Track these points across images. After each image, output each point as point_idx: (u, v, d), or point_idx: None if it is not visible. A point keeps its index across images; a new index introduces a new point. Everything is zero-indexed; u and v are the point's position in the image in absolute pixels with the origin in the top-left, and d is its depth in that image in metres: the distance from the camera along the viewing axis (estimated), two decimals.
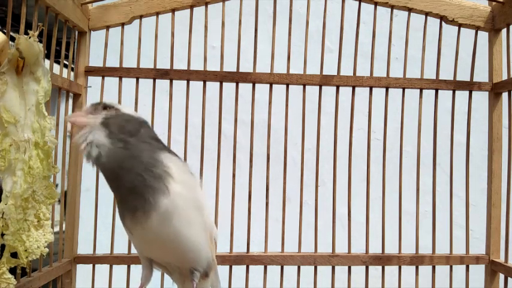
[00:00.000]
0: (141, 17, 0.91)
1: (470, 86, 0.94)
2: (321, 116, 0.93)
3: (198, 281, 0.67)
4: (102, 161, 0.61)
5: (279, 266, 0.91)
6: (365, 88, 0.93)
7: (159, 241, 0.63)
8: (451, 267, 0.93)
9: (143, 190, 0.60)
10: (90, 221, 0.89)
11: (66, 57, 0.86)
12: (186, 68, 0.91)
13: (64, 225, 0.86)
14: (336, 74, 0.93)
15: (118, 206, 0.65)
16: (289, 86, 0.92)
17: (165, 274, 0.78)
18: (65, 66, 0.84)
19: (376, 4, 0.93)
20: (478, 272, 0.94)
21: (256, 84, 0.92)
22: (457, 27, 0.94)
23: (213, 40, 0.95)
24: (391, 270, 0.93)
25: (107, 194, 0.85)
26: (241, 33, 0.91)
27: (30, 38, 0.60)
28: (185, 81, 0.91)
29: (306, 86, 0.92)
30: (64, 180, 0.86)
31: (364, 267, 0.92)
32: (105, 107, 0.64)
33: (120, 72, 0.90)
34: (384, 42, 0.94)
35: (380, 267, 0.92)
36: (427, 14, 0.93)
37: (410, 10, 0.93)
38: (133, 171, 0.60)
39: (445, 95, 0.96)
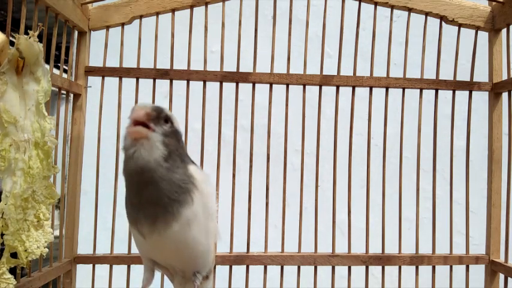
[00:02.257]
0: (141, 17, 0.91)
1: (470, 86, 0.94)
2: (321, 116, 0.93)
3: (200, 283, 0.67)
4: (144, 176, 0.58)
5: (279, 266, 0.91)
6: (365, 88, 0.93)
7: (173, 247, 0.62)
8: (451, 267, 0.93)
9: (168, 203, 0.59)
10: (90, 221, 0.89)
11: (66, 62, 0.85)
12: (186, 68, 0.91)
13: (64, 229, 0.86)
14: (335, 74, 0.93)
15: (130, 210, 0.62)
16: (289, 86, 0.92)
17: (165, 275, 0.78)
18: (65, 71, 0.83)
19: (376, 4, 0.93)
20: (478, 272, 0.94)
21: (256, 85, 0.92)
22: (457, 27, 0.94)
23: (213, 40, 0.95)
24: (391, 270, 0.93)
25: (107, 194, 0.86)
26: (241, 34, 0.91)
27: (30, 38, 0.61)
28: (185, 82, 0.91)
29: (306, 86, 0.93)
30: (64, 179, 0.86)
31: (364, 267, 0.92)
32: (167, 119, 0.61)
33: (120, 72, 0.90)
34: (384, 42, 0.94)
35: (380, 267, 0.92)
36: (427, 14, 0.93)
37: (410, 10, 0.93)
38: (165, 190, 0.59)
39: (445, 95, 0.96)
